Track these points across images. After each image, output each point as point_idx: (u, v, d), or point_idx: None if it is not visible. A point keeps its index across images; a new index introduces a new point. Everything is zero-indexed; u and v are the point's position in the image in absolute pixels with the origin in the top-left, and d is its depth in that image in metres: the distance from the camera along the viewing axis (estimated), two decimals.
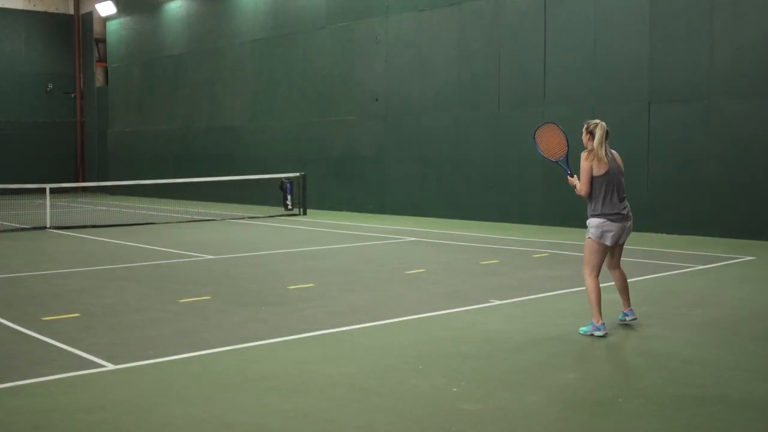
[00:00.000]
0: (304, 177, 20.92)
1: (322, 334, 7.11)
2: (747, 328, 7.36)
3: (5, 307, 8.39)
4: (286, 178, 21.27)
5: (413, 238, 14.89)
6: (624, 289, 7.35)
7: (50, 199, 18.35)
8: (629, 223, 7.11)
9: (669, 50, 15.09)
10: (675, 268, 10.80)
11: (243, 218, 19.68)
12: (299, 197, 20.89)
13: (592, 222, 6.99)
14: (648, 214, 15.37)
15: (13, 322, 7.58)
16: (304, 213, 20.57)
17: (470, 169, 18.57)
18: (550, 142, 7.37)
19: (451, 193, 19.00)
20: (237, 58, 25.37)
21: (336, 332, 7.21)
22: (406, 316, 7.89)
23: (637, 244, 13.38)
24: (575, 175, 7.14)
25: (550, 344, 6.72)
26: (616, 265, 7.31)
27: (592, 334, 6.94)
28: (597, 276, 7.04)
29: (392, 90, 20.31)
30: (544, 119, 17.03)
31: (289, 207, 20.97)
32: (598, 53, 16.15)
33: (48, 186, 18.32)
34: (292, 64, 23.30)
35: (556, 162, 7.35)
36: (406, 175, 20.09)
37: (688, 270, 10.77)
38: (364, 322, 7.58)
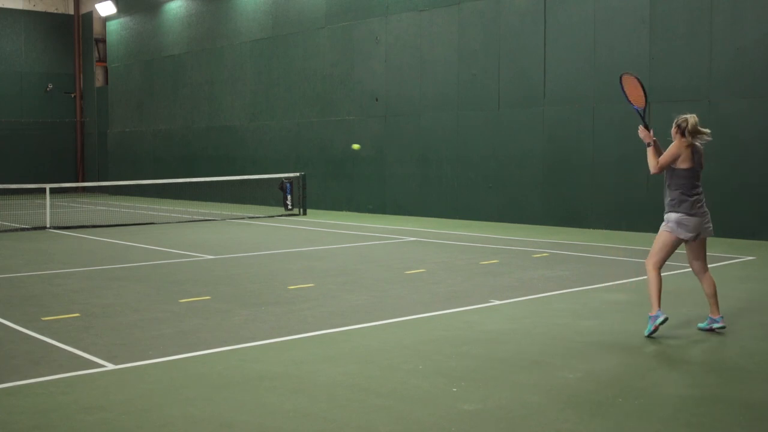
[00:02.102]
0: (303, 177, 20.92)
1: (322, 334, 7.11)
2: (747, 328, 7.35)
3: (5, 307, 8.39)
4: (286, 178, 21.27)
5: (413, 238, 14.89)
6: (713, 294, 7.10)
7: (50, 199, 18.35)
8: (707, 219, 7.04)
9: (669, 50, 15.09)
10: (675, 268, 10.79)
11: (243, 218, 19.68)
12: (299, 197, 20.89)
13: (671, 216, 6.96)
14: (648, 214, 15.36)
15: (13, 322, 7.58)
16: (304, 213, 20.57)
17: (470, 169, 18.57)
18: (634, 91, 7.46)
19: (451, 193, 19.00)
20: (237, 58, 25.38)
21: (336, 332, 7.21)
22: (406, 316, 7.89)
23: (638, 244, 13.38)
24: (652, 130, 7.15)
25: (550, 344, 6.72)
26: (703, 268, 7.14)
27: (656, 327, 6.79)
28: (660, 269, 6.97)
29: (392, 90, 20.31)
30: (544, 119, 17.08)
31: (289, 207, 20.97)
32: (598, 53, 16.15)
33: (48, 186, 18.32)
34: (291, 65, 23.31)
35: (637, 109, 7.40)
36: (406, 175, 20.09)
37: (688, 270, 10.76)
38: (364, 322, 7.58)
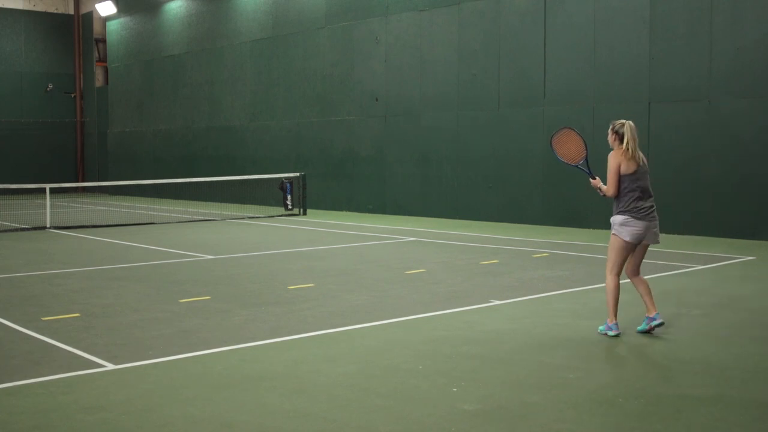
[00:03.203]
0: (304, 177, 20.92)
1: (322, 334, 7.11)
2: (747, 328, 7.36)
3: (5, 307, 8.39)
4: (286, 178, 21.27)
5: (413, 238, 14.89)
6: (647, 292, 7.06)
7: (50, 199, 18.35)
8: (655, 224, 6.97)
9: (669, 50, 15.09)
10: (675, 268, 10.80)
11: (243, 218, 19.68)
12: (299, 197, 20.89)
13: (616, 219, 6.93)
14: None
15: (13, 322, 7.58)
16: (304, 213, 20.57)
17: (470, 169, 18.57)
18: (568, 148, 7.35)
19: (451, 193, 19.01)
20: (237, 58, 25.38)
21: (336, 332, 7.21)
22: (406, 316, 7.89)
23: None
24: (597, 177, 7.12)
25: (550, 344, 6.72)
26: (635, 271, 7.10)
27: (606, 334, 6.95)
28: (618, 275, 6.98)
29: (392, 90, 20.31)
30: (544, 119, 17.08)
31: (289, 207, 20.97)
32: (598, 53, 16.15)
33: (48, 186, 18.32)
34: (291, 65, 23.31)
35: (576, 166, 7.31)
36: (406, 175, 20.09)
37: (688, 270, 10.77)
38: (364, 322, 7.58)
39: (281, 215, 20.31)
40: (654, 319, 6.95)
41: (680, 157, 14.99)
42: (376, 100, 20.71)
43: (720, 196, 14.55)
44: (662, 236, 14.55)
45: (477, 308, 8.26)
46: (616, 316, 6.95)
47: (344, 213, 21.14)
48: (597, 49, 16.17)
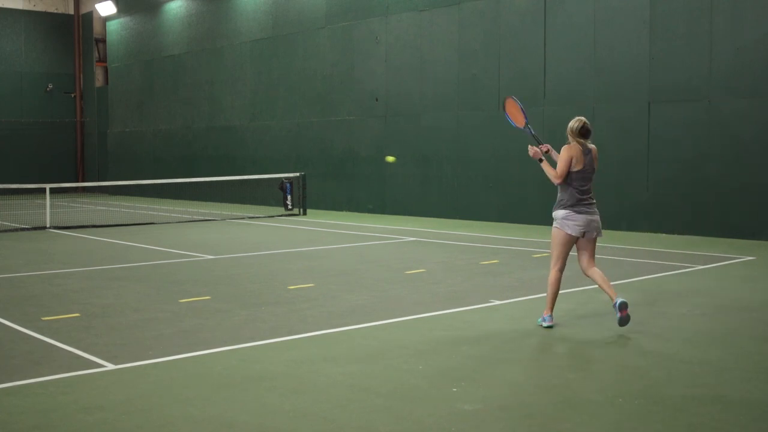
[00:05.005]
0: (304, 177, 20.92)
1: (322, 334, 7.11)
2: (747, 328, 7.35)
3: (5, 307, 8.39)
4: (286, 178, 21.27)
5: (413, 238, 14.89)
6: (604, 280, 7.15)
7: (50, 199, 18.35)
8: (596, 218, 7.21)
9: (669, 50, 15.09)
10: (675, 268, 10.80)
11: (243, 218, 19.68)
12: (299, 197, 20.89)
13: (558, 214, 7.23)
14: (648, 214, 15.38)
15: (13, 322, 7.58)
16: (304, 213, 20.57)
17: (470, 169, 18.57)
18: (514, 112, 7.95)
19: (451, 193, 19.00)
20: (237, 58, 25.38)
21: (336, 332, 7.21)
22: (406, 316, 7.89)
23: (638, 244, 13.38)
24: (547, 146, 7.46)
25: (549, 344, 6.72)
26: (590, 264, 7.23)
27: (540, 325, 7.24)
28: (561, 270, 7.23)
29: (392, 90, 20.31)
30: (544, 119, 17.08)
31: (289, 207, 20.97)
32: (598, 53, 16.15)
33: (48, 186, 18.32)
34: (291, 64, 23.31)
35: (523, 129, 7.78)
36: (406, 175, 20.09)
37: (688, 270, 10.77)
38: (364, 322, 7.58)
39: (281, 215, 20.31)
40: (615, 303, 7.00)
41: (680, 157, 14.99)
42: (376, 100, 20.71)
43: (720, 196, 14.55)
44: (662, 236, 14.70)
45: (477, 308, 8.26)
46: (552, 308, 7.26)
47: (344, 213, 21.14)
48: (597, 49, 16.17)
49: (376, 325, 7.48)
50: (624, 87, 15.75)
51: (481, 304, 8.46)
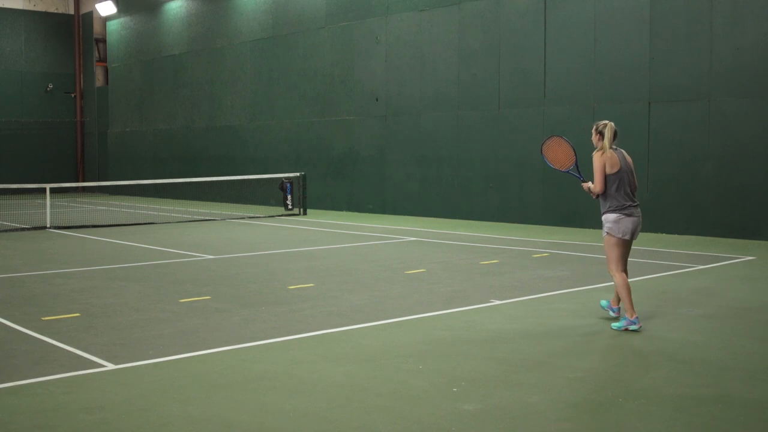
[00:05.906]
0: (304, 177, 20.92)
1: (322, 334, 7.11)
2: (747, 328, 7.36)
3: (5, 307, 8.39)
4: (286, 178, 21.27)
5: (413, 238, 14.89)
6: (624, 290, 7.27)
7: (50, 199, 18.35)
8: (639, 220, 7.28)
9: (669, 50, 15.09)
10: (675, 268, 10.80)
11: (243, 218, 19.68)
12: (299, 197, 20.89)
13: (608, 218, 7.20)
14: (648, 214, 15.30)
15: (13, 322, 7.58)
16: (304, 213, 20.57)
17: (470, 169, 18.57)
18: (557, 154, 7.63)
19: (451, 193, 19.00)
20: (237, 58, 25.37)
21: (336, 332, 7.21)
22: (406, 316, 7.89)
23: (638, 244, 13.37)
24: (588, 181, 7.36)
25: (549, 344, 6.72)
26: (621, 266, 7.34)
27: (626, 329, 7.09)
28: (623, 270, 7.23)
29: (392, 90, 20.31)
30: (544, 119, 17.09)
31: (289, 207, 20.97)
32: (598, 53, 16.15)
33: (48, 186, 18.32)
34: (292, 64, 23.30)
35: (567, 171, 7.60)
36: (406, 175, 20.09)
37: (688, 270, 10.77)
38: (364, 322, 7.58)
39: (281, 215, 20.31)
40: (612, 310, 7.47)
41: (680, 156, 14.99)
42: (376, 100, 20.71)
43: (720, 196, 14.55)
44: (663, 236, 14.70)
45: (477, 308, 8.26)
46: (634, 309, 7.14)
47: (344, 213, 21.14)
48: (597, 49, 16.17)
49: (376, 325, 7.48)
50: (624, 87, 15.75)
51: (481, 304, 8.46)
